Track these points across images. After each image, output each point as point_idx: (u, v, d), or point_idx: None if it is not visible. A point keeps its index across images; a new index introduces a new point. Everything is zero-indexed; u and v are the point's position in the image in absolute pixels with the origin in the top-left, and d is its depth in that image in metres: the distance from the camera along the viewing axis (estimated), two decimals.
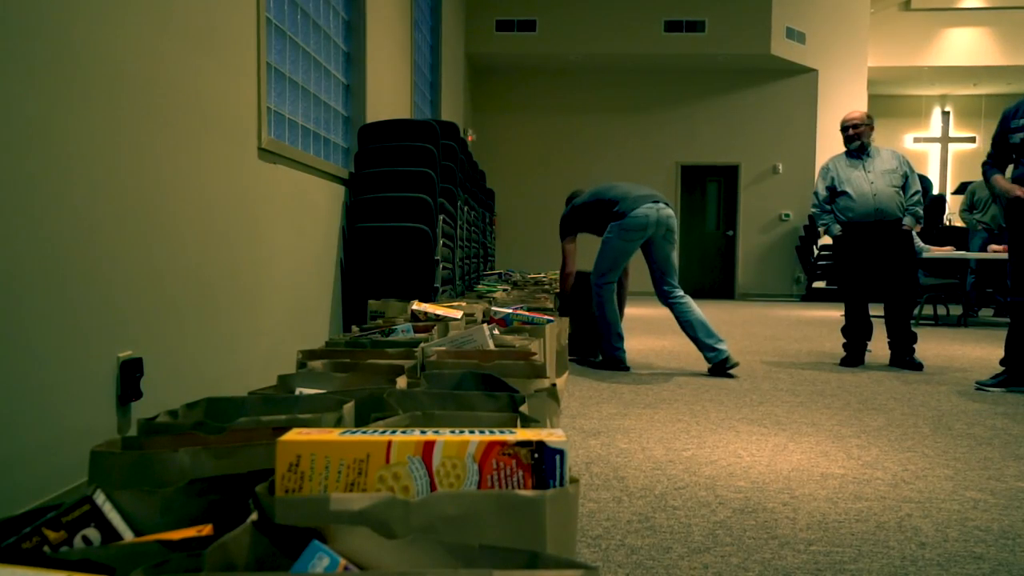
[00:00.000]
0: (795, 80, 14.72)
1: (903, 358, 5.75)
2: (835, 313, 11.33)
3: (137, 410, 2.77)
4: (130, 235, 2.74)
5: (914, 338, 5.75)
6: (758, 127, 14.81)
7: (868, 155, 5.78)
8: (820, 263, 14.11)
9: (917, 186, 5.73)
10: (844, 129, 5.81)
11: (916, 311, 9.39)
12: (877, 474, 2.92)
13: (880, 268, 5.70)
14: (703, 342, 5.30)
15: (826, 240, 14.56)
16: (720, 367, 5.26)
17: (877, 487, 2.75)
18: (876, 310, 10.68)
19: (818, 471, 2.95)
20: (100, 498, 1.11)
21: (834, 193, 5.82)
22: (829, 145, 14.64)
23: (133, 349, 2.75)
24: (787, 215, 14.84)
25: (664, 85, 14.82)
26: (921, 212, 5.72)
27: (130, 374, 2.69)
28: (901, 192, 5.69)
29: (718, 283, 15.09)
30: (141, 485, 1.24)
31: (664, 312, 10.91)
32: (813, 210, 6.00)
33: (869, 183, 5.67)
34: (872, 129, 5.80)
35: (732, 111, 14.82)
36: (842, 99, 14.80)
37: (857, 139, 5.75)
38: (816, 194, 5.92)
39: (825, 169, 5.90)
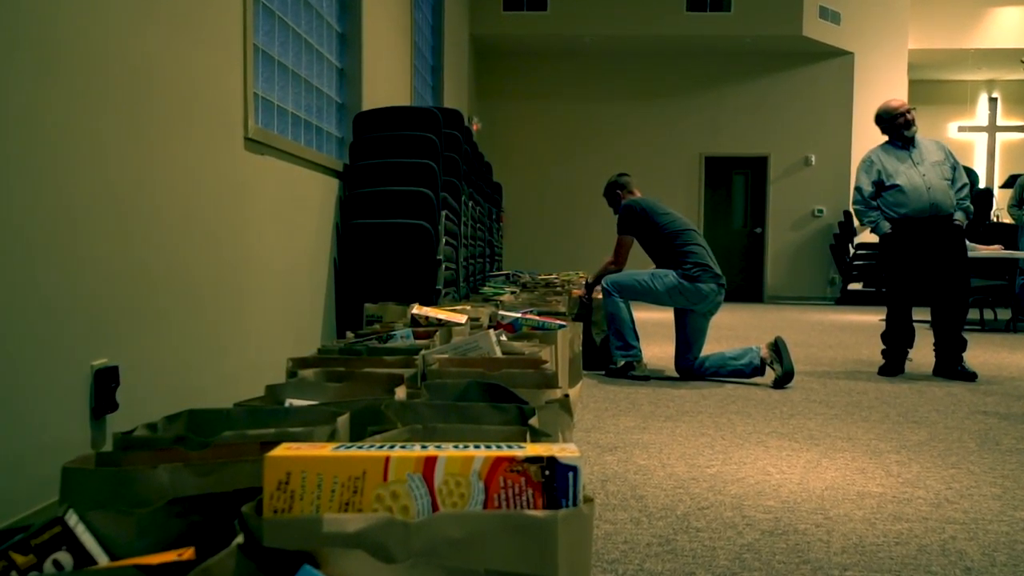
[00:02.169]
0: (829, 64, 14.70)
1: (952, 367, 5.73)
2: (873, 318, 11.31)
3: (113, 423, 2.77)
4: (105, 231, 2.74)
5: (964, 345, 5.73)
6: (789, 115, 14.80)
7: (914, 146, 5.77)
8: (856, 263, 14.08)
9: (965, 178, 5.70)
10: (897, 116, 5.74)
11: None
12: (919, 493, 2.91)
13: (933, 268, 5.67)
14: (737, 364, 5.47)
15: (863, 238, 14.54)
16: (764, 364, 5.38)
17: (919, 507, 2.75)
18: (918, 314, 10.65)
19: (854, 489, 2.94)
20: (72, 519, 1.11)
21: (882, 188, 5.80)
22: (866, 134, 14.60)
23: (108, 357, 2.76)
24: (820, 211, 14.82)
25: (687, 69, 14.81)
26: (971, 206, 5.71)
27: (105, 384, 2.69)
28: (951, 185, 5.68)
29: (745, 285, 15.07)
30: (117, 505, 1.24)
31: None
32: (856, 207, 5.94)
33: (921, 176, 5.64)
34: None
35: (761, 98, 14.81)
36: (880, 84, 14.77)
37: (914, 124, 5.74)
38: (860, 189, 5.87)
39: (868, 162, 5.86)
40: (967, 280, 5.69)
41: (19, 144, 2.30)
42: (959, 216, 5.64)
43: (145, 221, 3.00)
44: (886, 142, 5.86)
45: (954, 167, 5.71)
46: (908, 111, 5.74)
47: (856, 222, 14.50)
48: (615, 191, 6.10)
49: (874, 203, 5.83)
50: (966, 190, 5.68)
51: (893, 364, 5.86)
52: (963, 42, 15.60)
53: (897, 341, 5.85)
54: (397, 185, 5.40)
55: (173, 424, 1.63)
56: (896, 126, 5.76)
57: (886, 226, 5.76)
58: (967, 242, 8.45)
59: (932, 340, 6.70)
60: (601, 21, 13.68)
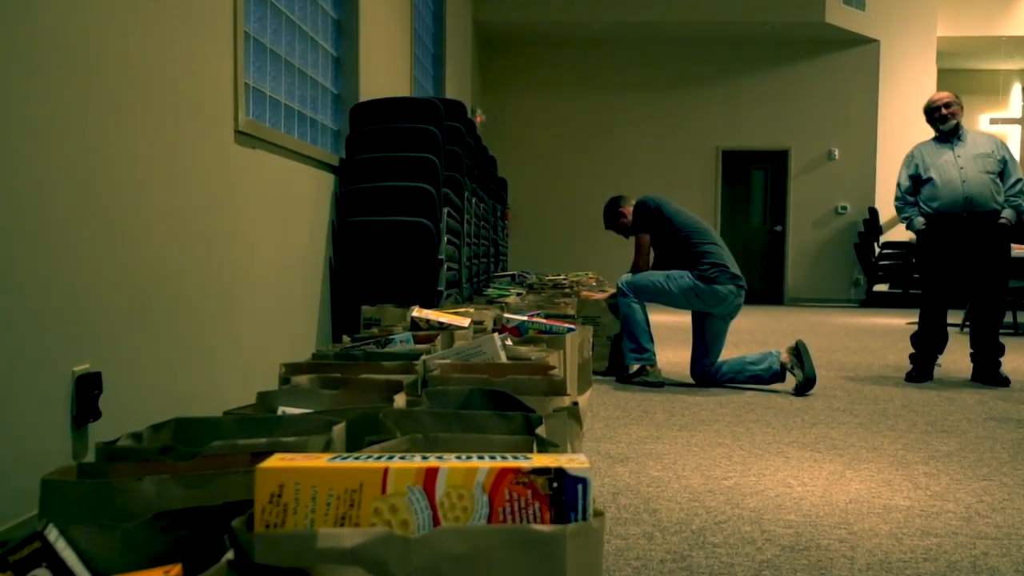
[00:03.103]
0: (853, 52, 14.69)
1: (989, 372, 5.72)
2: (900, 321, 11.29)
3: (95, 432, 2.77)
4: (87, 229, 2.74)
5: (1001, 350, 5.73)
6: (811, 107, 14.78)
7: (959, 139, 5.79)
8: (882, 263, 14.06)
9: (1019, 174, 5.69)
10: (934, 110, 5.79)
11: None
12: (948, 506, 2.91)
13: (968, 267, 5.67)
14: (756, 369, 5.46)
15: (889, 237, 14.52)
16: (784, 370, 5.36)
17: (948, 521, 2.74)
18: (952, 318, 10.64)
19: (880, 503, 2.94)
20: (52, 534, 1.11)
21: (919, 182, 5.82)
22: (892, 127, 14.60)
23: (91, 362, 2.76)
24: (844, 208, 14.79)
25: (703, 58, 14.80)
26: (1023, 204, 5.69)
27: (87, 391, 2.69)
28: (998, 180, 5.68)
29: (764, 286, 15.06)
30: (99, 519, 1.24)
31: None
32: (896, 203, 6.03)
33: (958, 168, 5.65)
34: (962, 110, 5.81)
35: (781, 88, 14.79)
36: (907, 74, 14.75)
37: (952, 118, 5.75)
38: (898, 184, 5.96)
39: (909, 156, 5.93)
40: (1003, 281, 5.67)
41: None
42: (1007, 214, 5.63)
43: (129, 219, 3.00)
44: (934, 136, 5.89)
45: (1004, 161, 5.69)
46: (946, 104, 5.76)
47: (882, 219, 14.49)
48: (616, 209, 6.11)
49: (911, 198, 5.87)
50: (1020, 186, 5.67)
51: (922, 370, 5.85)
52: (995, 29, 15.56)
53: (927, 345, 5.84)
54: (396, 180, 5.40)
55: (159, 433, 1.63)
56: (933, 120, 5.81)
57: (919, 222, 5.78)
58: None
59: (966, 345, 6.70)
60: (612, 7, 13.67)
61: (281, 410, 1.92)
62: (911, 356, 5.93)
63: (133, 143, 3.01)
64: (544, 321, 3.68)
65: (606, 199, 14.20)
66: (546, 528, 1.04)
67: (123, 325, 2.95)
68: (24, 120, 2.42)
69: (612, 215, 6.15)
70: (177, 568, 1.10)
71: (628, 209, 6.04)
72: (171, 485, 1.27)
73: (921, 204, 5.81)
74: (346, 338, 3.26)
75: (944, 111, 5.76)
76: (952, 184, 5.63)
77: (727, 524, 2.69)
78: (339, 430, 1.55)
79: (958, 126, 5.77)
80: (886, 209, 14.57)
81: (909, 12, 14.78)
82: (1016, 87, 17.58)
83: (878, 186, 14.69)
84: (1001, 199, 5.64)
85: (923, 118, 5.92)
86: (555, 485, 1.06)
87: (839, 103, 14.76)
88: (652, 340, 5.61)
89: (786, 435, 4.04)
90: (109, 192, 2.86)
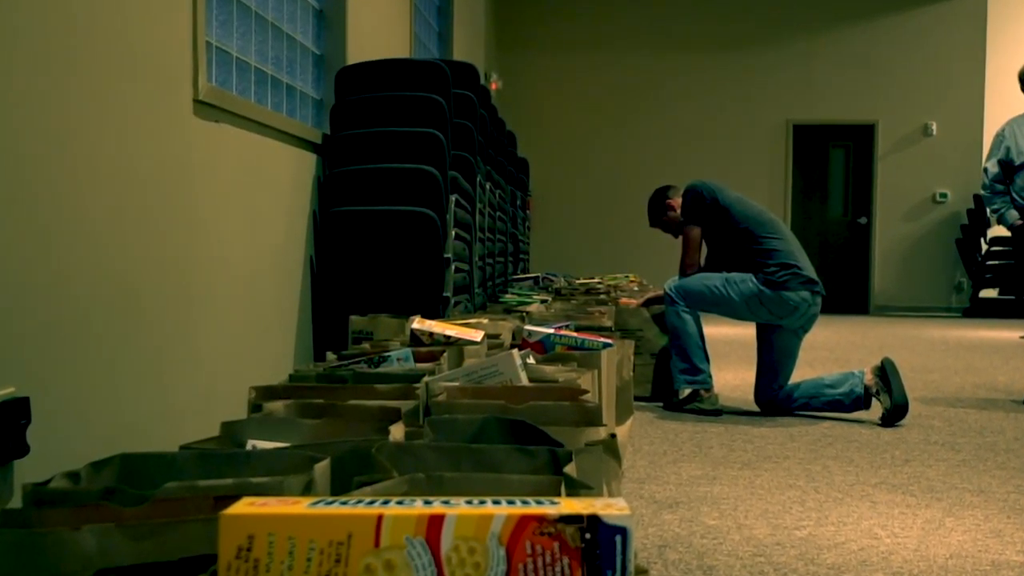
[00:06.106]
0: (955, 5, 14.65)
1: None
2: (1011, 334, 11.26)
3: (21, 471, 2.78)
4: (12, 224, 2.75)
5: None
6: (903, 71, 14.74)
7: None
8: (991, 263, 14.00)
9: None
10: None
11: None
12: None
13: None
14: (834, 393, 5.40)
15: (1000, 231, 14.46)
16: (868, 394, 5.30)
17: None
18: None
19: (987, 558, 2.93)
20: None
21: (1010, 169, 5.81)
22: (1002, 95, 14.51)
23: (16, 385, 2.76)
24: (944, 196, 14.75)
25: (770, 11, 14.79)
26: None
27: (12, 420, 2.70)
28: None
29: (846, 291, 15.02)
30: None
31: None
32: (983, 192, 6.01)
33: None
34: None
35: (866, 49, 14.76)
36: (1021, 32, 14.69)
37: None
38: (985, 170, 5.95)
39: (999, 137, 5.91)
40: None
41: None
42: None
43: (65, 210, 3.00)
44: None
45: None
46: None
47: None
48: (662, 201, 6.07)
49: (1000, 187, 5.86)
50: None
51: None
52: None
53: None
54: (392, 161, 5.41)
55: (101, 472, 1.63)
56: None
57: (1012, 216, 5.79)
58: None
59: None
60: None
61: (251, 444, 1.92)
62: None
63: (69, 117, 3.02)
64: (574, 335, 3.67)
65: (650, 185, 14.27)
66: None
67: (57, 340, 2.96)
68: None
69: (657, 209, 6.12)
70: None
71: (677, 201, 6.00)
72: (116, 536, 1.27)
73: (1014, 195, 5.79)
74: (331, 355, 3.27)
75: None
76: None
77: None
78: (322, 468, 1.55)
79: None
80: None
81: None
82: None
83: None
84: None
85: None
86: (588, 536, 1.06)
87: (938, 67, 14.70)
88: (707, 358, 5.59)
89: (872, 475, 4.03)
90: (39, 178, 2.87)
